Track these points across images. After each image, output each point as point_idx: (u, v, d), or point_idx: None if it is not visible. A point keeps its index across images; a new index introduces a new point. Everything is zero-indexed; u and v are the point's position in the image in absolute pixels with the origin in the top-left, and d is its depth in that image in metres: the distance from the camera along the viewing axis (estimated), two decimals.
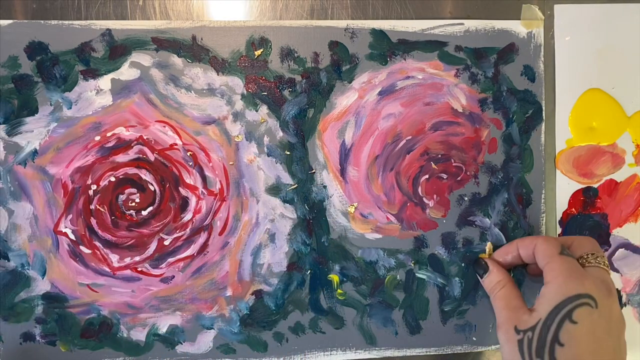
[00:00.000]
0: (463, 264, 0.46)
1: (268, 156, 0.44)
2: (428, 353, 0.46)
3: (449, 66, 0.45)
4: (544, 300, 0.38)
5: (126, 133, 0.43)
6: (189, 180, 0.44)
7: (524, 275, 0.46)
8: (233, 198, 0.44)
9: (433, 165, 0.46)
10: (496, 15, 0.46)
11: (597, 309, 0.36)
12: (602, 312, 0.36)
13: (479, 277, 0.44)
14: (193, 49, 0.43)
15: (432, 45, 0.45)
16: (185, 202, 0.44)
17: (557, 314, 0.37)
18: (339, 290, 0.45)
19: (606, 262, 0.39)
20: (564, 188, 0.47)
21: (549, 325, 0.37)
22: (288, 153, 0.44)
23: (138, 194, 0.43)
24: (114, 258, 0.43)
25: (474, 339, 0.46)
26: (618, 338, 0.37)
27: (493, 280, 0.42)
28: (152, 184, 0.43)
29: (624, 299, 0.48)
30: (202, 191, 0.44)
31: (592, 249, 0.40)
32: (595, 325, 0.36)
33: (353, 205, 0.45)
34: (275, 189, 0.44)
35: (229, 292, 0.44)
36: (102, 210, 0.43)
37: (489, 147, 0.46)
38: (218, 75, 0.43)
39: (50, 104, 0.42)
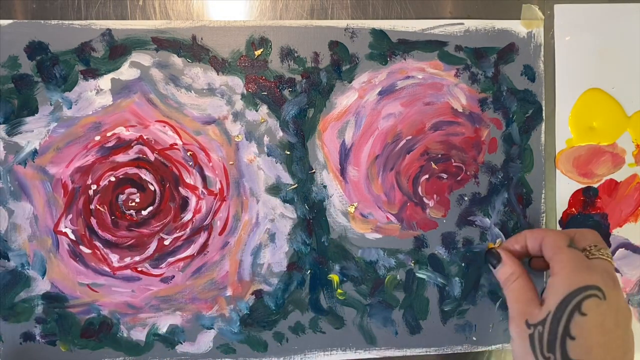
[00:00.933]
0: (463, 264, 0.46)
1: (268, 156, 0.44)
2: (428, 353, 0.46)
3: (449, 66, 0.45)
4: (552, 292, 0.37)
5: (126, 133, 0.43)
6: (189, 180, 0.44)
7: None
8: (233, 198, 0.44)
9: (433, 165, 0.46)
10: (496, 15, 0.46)
11: (605, 301, 0.36)
12: (610, 304, 0.36)
13: (491, 268, 0.43)
14: (193, 49, 0.43)
15: (432, 45, 0.45)
16: (185, 202, 0.44)
17: (567, 306, 0.36)
18: (339, 290, 0.45)
19: (609, 253, 0.39)
20: (564, 188, 0.47)
21: (559, 318, 0.36)
22: (288, 153, 0.44)
23: (138, 194, 0.43)
24: (114, 258, 0.43)
25: (474, 338, 0.46)
26: (626, 329, 0.37)
27: (507, 272, 0.41)
28: (152, 184, 0.43)
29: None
30: (202, 191, 0.44)
31: (594, 240, 0.40)
32: (604, 316, 0.36)
33: (353, 205, 0.45)
34: (275, 189, 0.44)
35: (229, 292, 0.44)
36: (102, 210, 0.43)
37: (489, 147, 0.46)
38: (218, 75, 0.43)
39: (50, 104, 0.42)
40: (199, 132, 0.44)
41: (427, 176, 0.46)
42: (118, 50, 0.43)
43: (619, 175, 0.47)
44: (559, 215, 0.47)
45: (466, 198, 0.46)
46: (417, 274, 0.46)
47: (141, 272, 0.43)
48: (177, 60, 0.43)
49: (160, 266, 0.44)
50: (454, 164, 0.46)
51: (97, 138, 0.43)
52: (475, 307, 0.46)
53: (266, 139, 0.44)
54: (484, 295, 0.46)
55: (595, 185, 0.47)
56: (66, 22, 0.42)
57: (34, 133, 0.42)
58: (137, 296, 0.43)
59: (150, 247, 0.44)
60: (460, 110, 0.46)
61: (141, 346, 0.44)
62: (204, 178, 0.44)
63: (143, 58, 0.43)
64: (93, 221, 0.43)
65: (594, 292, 0.36)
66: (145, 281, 0.43)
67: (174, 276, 0.44)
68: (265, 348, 0.44)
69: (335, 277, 0.45)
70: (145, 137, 0.43)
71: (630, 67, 0.47)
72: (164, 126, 0.43)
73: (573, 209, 0.47)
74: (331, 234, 0.45)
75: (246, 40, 0.44)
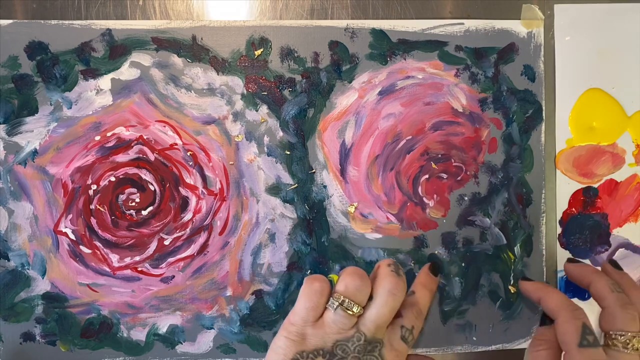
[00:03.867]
0: (463, 264, 0.46)
1: (268, 156, 0.44)
2: (428, 353, 0.46)
3: (449, 66, 0.45)
4: None
5: (126, 133, 0.43)
6: (189, 180, 0.44)
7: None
8: (233, 198, 0.44)
9: (433, 165, 0.46)
10: (496, 15, 0.46)
11: None
12: None
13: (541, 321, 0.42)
14: (193, 49, 0.43)
15: (432, 45, 0.45)
16: (185, 202, 0.44)
17: None
18: None
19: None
20: (564, 188, 0.47)
21: None
22: (288, 153, 0.44)
23: (138, 194, 0.43)
24: (114, 258, 0.43)
25: (474, 339, 0.46)
26: None
27: (541, 335, 0.39)
28: (152, 184, 0.43)
29: None
30: (202, 191, 0.44)
31: (628, 325, 0.35)
32: None
33: (353, 205, 0.45)
34: (275, 189, 0.44)
35: (229, 292, 0.44)
36: (102, 210, 0.43)
37: (489, 146, 0.46)
38: (218, 75, 0.43)
39: (50, 104, 0.42)
40: (199, 132, 0.44)
41: (427, 176, 0.46)
42: (118, 50, 0.43)
43: (619, 175, 0.47)
44: (559, 215, 0.47)
45: (466, 198, 0.46)
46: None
47: (141, 272, 0.43)
48: (177, 60, 0.43)
49: (160, 266, 0.44)
50: (454, 164, 0.46)
51: (97, 138, 0.43)
52: (475, 307, 0.46)
53: (266, 139, 0.44)
54: (484, 295, 0.46)
55: (595, 185, 0.47)
56: (66, 22, 0.42)
57: (34, 133, 0.42)
58: (137, 296, 0.43)
59: (150, 247, 0.44)
60: (460, 110, 0.46)
61: (141, 346, 0.44)
62: (204, 178, 0.44)
63: (143, 58, 0.43)
64: (93, 221, 0.43)
65: None
66: (145, 281, 0.43)
67: (174, 276, 0.44)
68: (265, 348, 0.44)
69: (335, 277, 0.45)
70: (145, 137, 0.43)
71: (630, 67, 0.47)
72: (164, 126, 0.43)
73: (573, 209, 0.47)
74: (331, 234, 0.45)
75: (246, 40, 0.44)
